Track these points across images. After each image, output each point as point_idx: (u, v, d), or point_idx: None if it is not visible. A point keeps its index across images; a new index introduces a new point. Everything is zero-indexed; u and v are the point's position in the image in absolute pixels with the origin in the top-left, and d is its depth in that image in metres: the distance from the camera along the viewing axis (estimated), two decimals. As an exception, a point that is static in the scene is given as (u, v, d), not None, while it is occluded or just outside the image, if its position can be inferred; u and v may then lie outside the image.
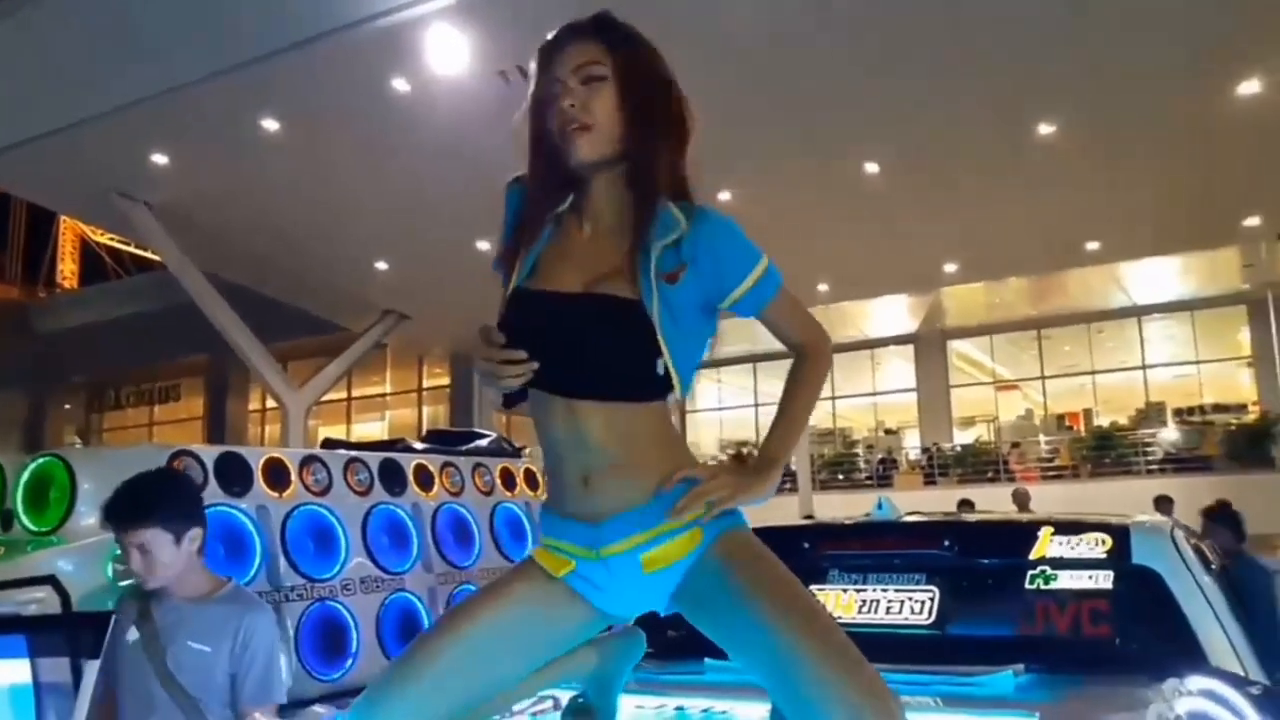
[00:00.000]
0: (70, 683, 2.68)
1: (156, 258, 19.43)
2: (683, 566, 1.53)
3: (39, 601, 2.77)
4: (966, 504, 11.88)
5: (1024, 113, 10.16)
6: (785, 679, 1.38)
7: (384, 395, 24.47)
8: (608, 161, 1.59)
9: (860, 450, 21.36)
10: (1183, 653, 2.14)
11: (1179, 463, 17.32)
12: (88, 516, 2.95)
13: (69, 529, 2.93)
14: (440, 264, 13.94)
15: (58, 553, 2.87)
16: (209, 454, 3.25)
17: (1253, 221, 13.23)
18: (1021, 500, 11.67)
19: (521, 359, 1.49)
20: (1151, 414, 19.36)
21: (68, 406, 28.59)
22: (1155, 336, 20.20)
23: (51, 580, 2.80)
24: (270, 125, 10.53)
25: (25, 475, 3.03)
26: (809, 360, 1.64)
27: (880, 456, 20.45)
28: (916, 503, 3.16)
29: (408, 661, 1.52)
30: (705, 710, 1.92)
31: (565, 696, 1.93)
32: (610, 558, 1.54)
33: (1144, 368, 20.17)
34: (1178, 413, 19.38)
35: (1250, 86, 9.64)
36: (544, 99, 1.60)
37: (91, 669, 2.59)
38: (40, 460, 3.05)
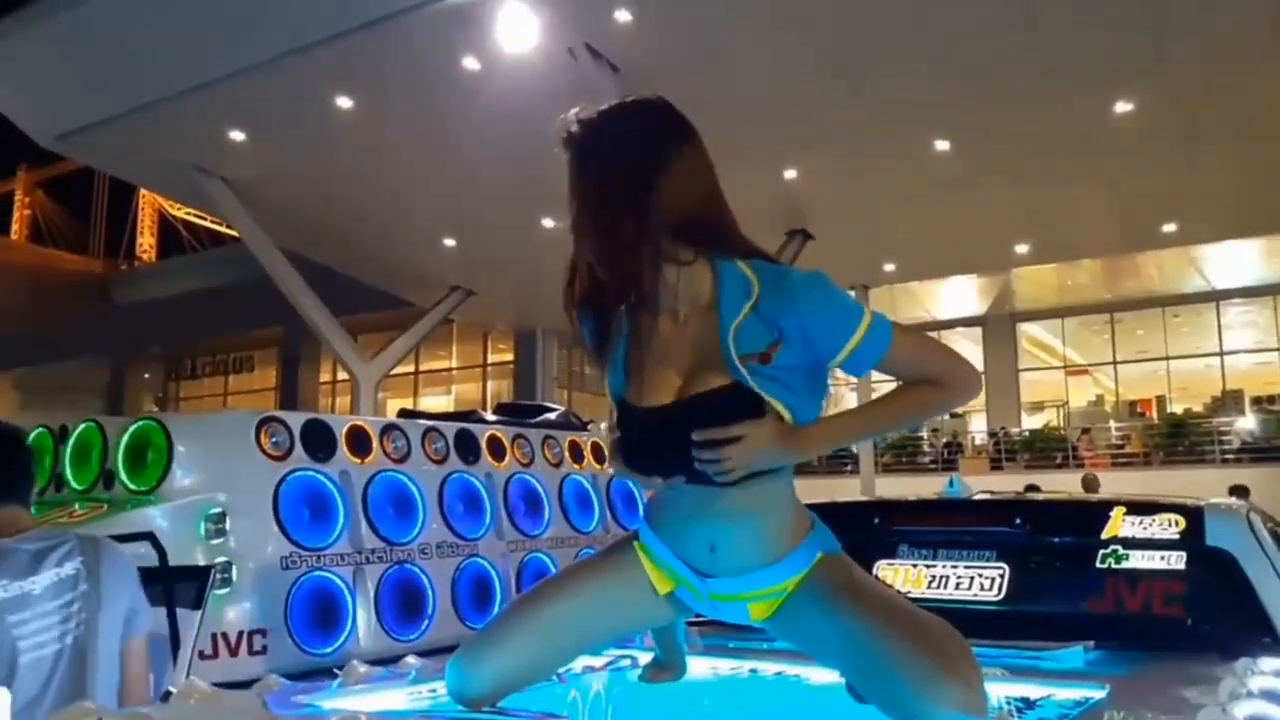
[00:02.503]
0: (167, 633, 2.83)
1: (232, 232, 19.97)
2: (783, 605, 1.59)
3: (138, 557, 2.92)
4: (1033, 490, 11.74)
5: (1101, 90, 9.92)
6: (866, 668, 1.44)
7: (450, 369, 24.85)
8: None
9: (925, 433, 21.13)
10: (1256, 635, 2.14)
11: (1257, 452, 16.84)
12: (183, 477, 3.09)
13: (166, 489, 3.08)
14: (506, 241, 14.10)
15: (155, 511, 3.02)
16: (296, 420, 3.38)
17: (1341, 203, 12.77)
18: (1091, 486, 11.50)
19: (673, 483, 1.54)
20: (1228, 402, 18.83)
21: (146, 375, 29.55)
22: (1234, 322, 19.65)
23: (150, 537, 2.94)
24: (344, 103, 10.73)
25: (125, 438, 3.18)
26: (931, 384, 1.53)
27: (945, 440, 20.20)
28: (982, 488, 3.18)
29: (506, 622, 1.64)
30: (778, 674, 1.98)
31: (642, 656, 2.00)
32: (716, 601, 1.61)
33: (1221, 354, 19.63)
34: (1256, 401, 18.82)
35: (1341, 63, 9.30)
36: None
37: (189, 619, 2.74)
38: (139, 424, 3.20)
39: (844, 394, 14.41)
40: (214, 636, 3.03)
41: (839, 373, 1.57)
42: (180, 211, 36.76)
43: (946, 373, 1.53)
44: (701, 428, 1.45)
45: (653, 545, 1.65)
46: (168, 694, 1.60)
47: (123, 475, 3.17)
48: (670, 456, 1.50)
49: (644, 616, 1.71)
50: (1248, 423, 18.06)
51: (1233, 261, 17.01)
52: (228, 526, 3.12)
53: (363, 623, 3.36)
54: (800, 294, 1.48)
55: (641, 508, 1.73)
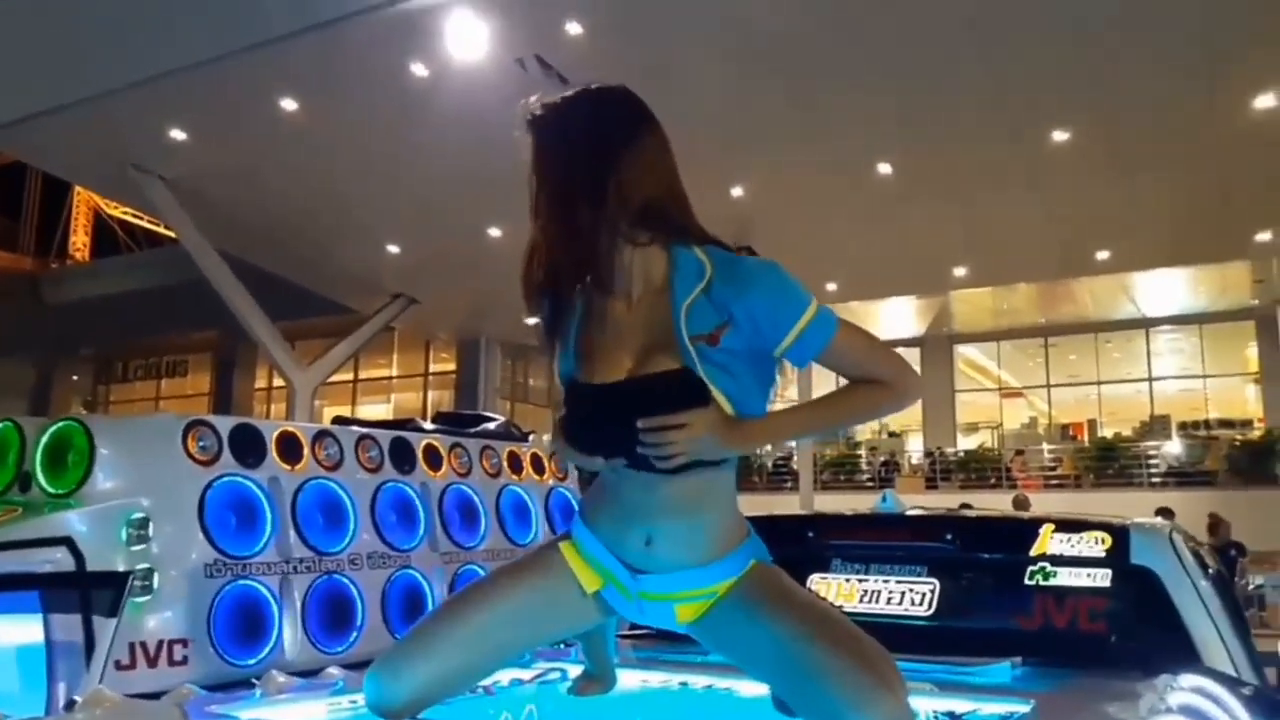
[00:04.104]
0: (82, 640, 2.73)
1: (168, 232, 19.51)
2: (711, 609, 1.58)
3: (54, 562, 2.82)
4: (967, 508, 11.90)
5: (1039, 118, 10.17)
6: (795, 677, 1.43)
7: (390, 378, 24.55)
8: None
9: (863, 452, 21.39)
10: (1177, 652, 2.19)
11: (1181, 476, 17.33)
12: (105, 481, 2.99)
13: (86, 492, 2.97)
14: (451, 250, 14.00)
15: (74, 515, 2.91)
16: (224, 424, 3.29)
17: (1264, 237, 13.22)
18: (1022, 506, 11.70)
19: (614, 464, 1.53)
20: (1156, 427, 19.36)
21: (75, 378, 28.74)
22: (1162, 349, 20.20)
23: (67, 542, 2.84)
24: (288, 105, 10.57)
25: (45, 438, 3.07)
26: (873, 385, 1.54)
27: (883, 459, 20.48)
28: (917, 505, 3.22)
29: (426, 630, 1.59)
30: (708, 687, 1.97)
31: (572, 669, 1.98)
32: (645, 600, 1.60)
33: (1150, 380, 20.16)
34: (1182, 426, 19.38)
35: (1266, 100, 9.63)
36: None
37: (105, 627, 2.64)
38: (60, 424, 3.09)
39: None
40: (132, 646, 2.93)
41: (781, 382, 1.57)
42: (116, 210, 35.86)
43: (889, 373, 1.55)
44: (647, 411, 1.45)
45: (585, 541, 1.63)
46: (72, 703, 1.52)
47: (40, 477, 3.05)
48: (613, 436, 1.50)
49: (569, 619, 1.68)
50: (1174, 447, 18.58)
51: (1163, 290, 17.50)
52: (150, 532, 3.02)
53: (289, 634, 3.27)
54: (751, 279, 1.50)
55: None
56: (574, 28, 8.94)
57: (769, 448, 21.36)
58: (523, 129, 1.57)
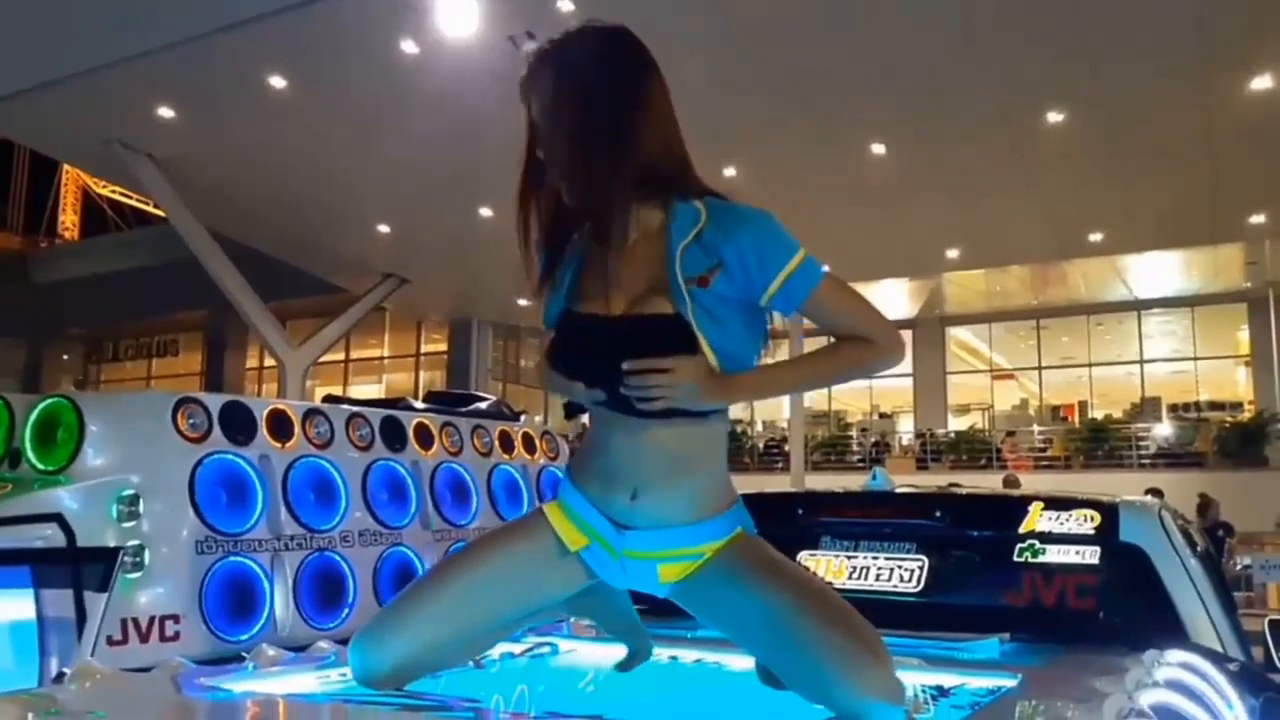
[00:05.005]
0: (74, 616, 2.74)
1: (158, 211, 19.39)
2: (695, 573, 1.57)
3: (45, 538, 2.81)
4: (955, 487, 11.94)
5: (1034, 99, 10.15)
6: (784, 648, 1.44)
7: (381, 358, 24.52)
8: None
9: (854, 433, 21.45)
10: (1164, 628, 2.21)
11: (1171, 458, 17.44)
12: (95, 457, 2.98)
13: (76, 469, 2.96)
14: (442, 229, 13.95)
15: (64, 492, 2.91)
16: (214, 401, 3.29)
17: (1258, 219, 13.24)
18: (1012, 486, 11.74)
19: (594, 395, 1.54)
20: (1146, 409, 19.45)
21: (65, 357, 28.65)
22: (1154, 331, 20.25)
23: (57, 518, 2.84)
24: (278, 83, 10.49)
25: (34, 415, 3.06)
26: (858, 342, 1.55)
27: (874, 440, 20.54)
28: (906, 485, 3.23)
29: (409, 598, 1.58)
30: (697, 661, 1.98)
31: (563, 644, 1.98)
32: (628, 559, 1.59)
33: (1141, 362, 20.23)
34: (1173, 408, 19.46)
35: (1263, 82, 9.63)
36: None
37: (96, 602, 2.64)
38: (49, 401, 3.08)
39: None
40: (124, 622, 2.93)
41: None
42: (105, 189, 35.68)
43: (874, 330, 1.55)
44: (634, 352, 1.47)
45: (571, 499, 1.63)
46: (60, 675, 1.52)
47: (30, 454, 3.04)
48: (598, 370, 1.51)
49: (551, 583, 1.65)
50: (1164, 429, 18.68)
51: (1155, 272, 17.54)
52: (141, 509, 3.02)
53: (280, 610, 3.28)
54: (741, 222, 1.52)
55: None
56: (565, 4, 8.89)
57: (759, 427, 21.43)
58: (527, 73, 1.57)
